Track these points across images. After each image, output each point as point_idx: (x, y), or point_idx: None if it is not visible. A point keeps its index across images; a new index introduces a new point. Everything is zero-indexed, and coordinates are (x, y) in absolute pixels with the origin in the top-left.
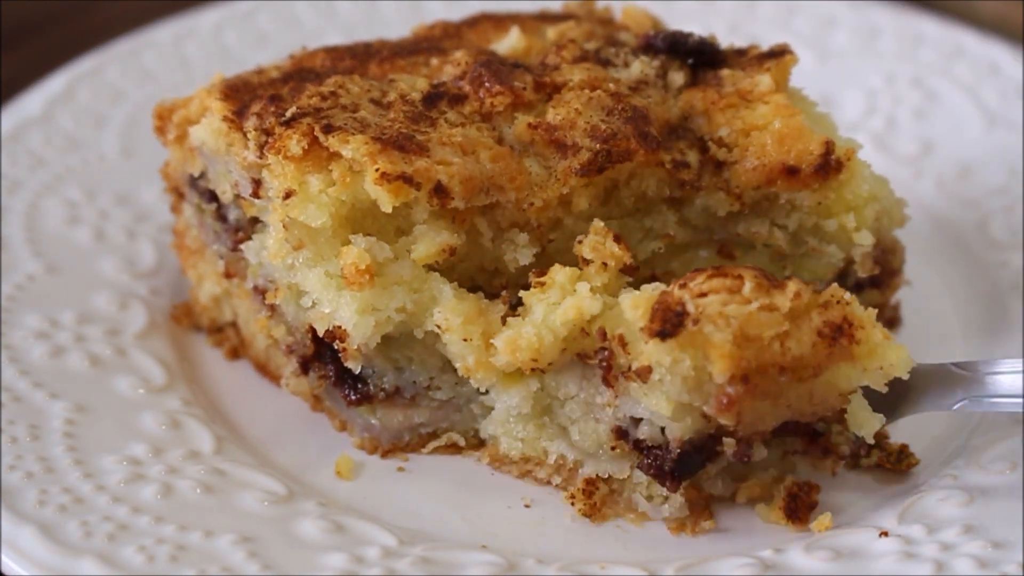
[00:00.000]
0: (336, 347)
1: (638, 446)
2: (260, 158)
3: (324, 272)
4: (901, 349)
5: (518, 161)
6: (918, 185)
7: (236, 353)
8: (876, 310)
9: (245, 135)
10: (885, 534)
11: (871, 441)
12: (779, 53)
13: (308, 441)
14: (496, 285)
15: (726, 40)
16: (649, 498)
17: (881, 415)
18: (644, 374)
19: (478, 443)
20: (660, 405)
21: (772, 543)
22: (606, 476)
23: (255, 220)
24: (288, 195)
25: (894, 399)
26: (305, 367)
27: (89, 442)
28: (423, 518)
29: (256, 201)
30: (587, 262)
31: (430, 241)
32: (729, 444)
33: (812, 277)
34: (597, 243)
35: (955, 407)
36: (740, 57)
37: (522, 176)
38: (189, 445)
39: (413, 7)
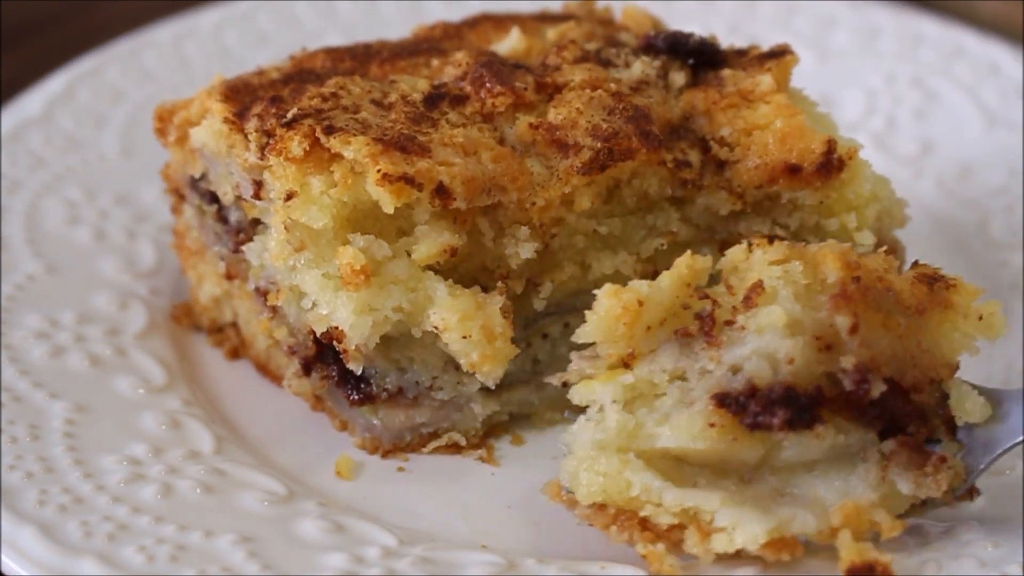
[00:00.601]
0: (336, 348)
1: (739, 404)
2: (261, 159)
3: (322, 273)
4: (996, 304)
5: (520, 161)
6: (918, 185)
7: (236, 353)
8: None
9: (246, 137)
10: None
11: (976, 419)
12: (780, 53)
13: (308, 441)
14: (497, 283)
15: (726, 40)
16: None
17: (985, 401)
18: (756, 290)
19: (478, 443)
20: (774, 317)
21: None
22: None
23: (256, 221)
24: (289, 196)
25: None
26: (307, 368)
27: (89, 442)
28: (423, 518)
29: (257, 203)
30: None
31: (431, 242)
32: (848, 360)
33: None
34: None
35: None
36: (740, 57)
37: (524, 176)
38: (189, 445)
39: (413, 7)
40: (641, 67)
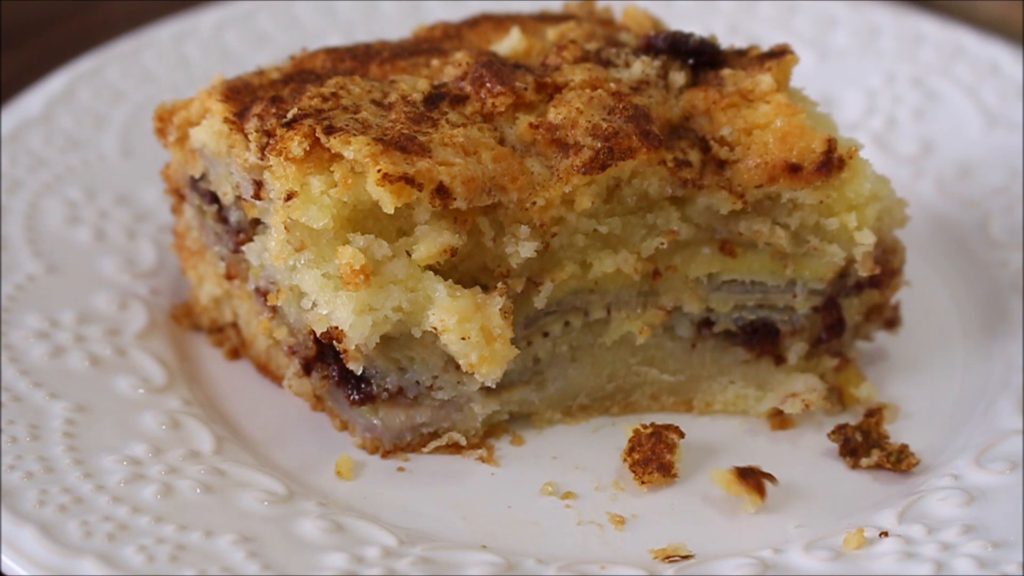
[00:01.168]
0: (336, 348)
1: None
2: (261, 160)
3: (322, 273)
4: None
5: (520, 161)
6: (918, 185)
7: (236, 353)
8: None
9: (246, 137)
10: (885, 534)
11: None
12: (779, 53)
13: (308, 441)
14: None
15: (726, 40)
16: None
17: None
18: None
19: (478, 443)
20: None
21: (772, 543)
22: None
23: (256, 222)
24: (290, 196)
25: None
26: (308, 368)
27: (89, 442)
28: (423, 518)
29: (257, 203)
30: None
31: (431, 242)
32: None
33: (813, 276)
34: None
35: None
36: (740, 57)
37: (524, 176)
38: (189, 445)
39: (413, 7)
40: (641, 67)
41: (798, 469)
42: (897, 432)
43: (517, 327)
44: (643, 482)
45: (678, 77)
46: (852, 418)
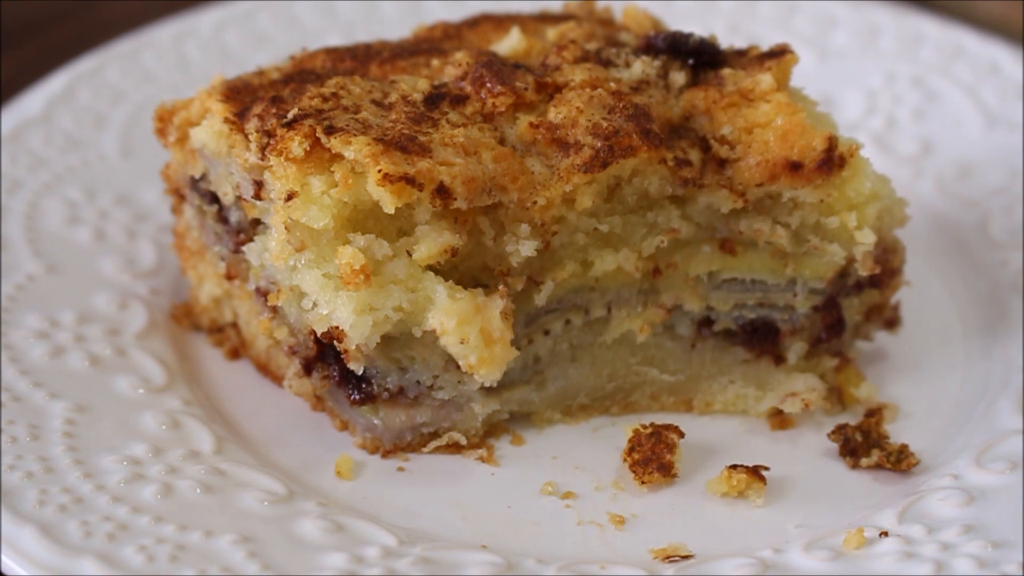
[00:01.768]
0: (337, 348)
1: None
2: (262, 160)
3: (322, 273)
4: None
5: (520, 161)
6: (918, 185)
7: (236, 353)
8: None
9: (246, 137)
10: (885, 534)
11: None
12: (779, 53)
13: (308, 441)
14: (499, 282)
15: (726, 40)
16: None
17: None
18: None
19: (479, 443)
20: None
21: (772, 543)
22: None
23: (257, 222)
24: (290, 197)
25: None
26: (308, 368)
27: (89, 442)
28: (423, 518)
29: (258, 203)
30: None
31: (432, 242)
32: None
33: (813, 276)
34: None
35: None
36: (740, 57)
37: (524, 176)
38: (189, 445)
39: (413, 7)
40: (641, 67)
41: (798, 469)
42: (897, 432)
43: (518, 325)
44: (643, 482)
45: (678, 77)
46: (852, 418)
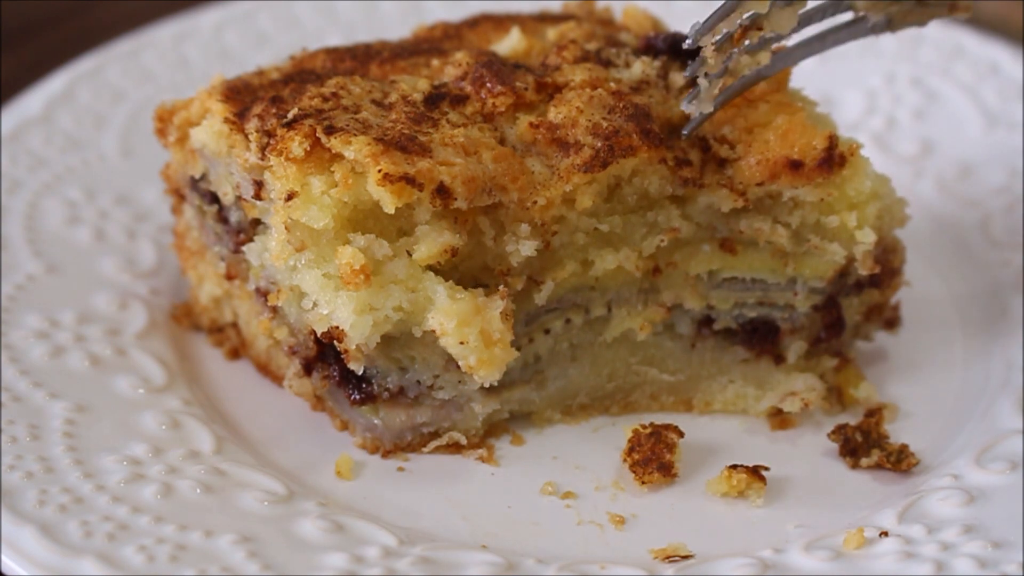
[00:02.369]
0: (337, 348)
1: None
2: (262, 160)
3: (322, 273)
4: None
5: (520, 161)
6: (918, 185)
7: (236, 353)
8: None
9: (246, 137)
10: (885, 534)
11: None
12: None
13: (308, 441)
14: (499, 282)
15: None
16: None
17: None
18: None
19: (479, 443)
20: None
21: (772, 543)
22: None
23: (257, 222)
24: (290, 197)
25: None
26: (308, 368)
27: (89, 442)
28: (423, 518)
29: (258, 203)
30: None
31: (432, 242)
32: None
33: (813, 275)
34: None
35: None
36: None
37: (524, 176)
38: (189, 445)
39: (413, 7)
40: (641, 67)
41: (798, 469)
42: (897, 432)
43: (518, 324)
44: (643, 482)
45: (678, 78)
46: (852, 418)
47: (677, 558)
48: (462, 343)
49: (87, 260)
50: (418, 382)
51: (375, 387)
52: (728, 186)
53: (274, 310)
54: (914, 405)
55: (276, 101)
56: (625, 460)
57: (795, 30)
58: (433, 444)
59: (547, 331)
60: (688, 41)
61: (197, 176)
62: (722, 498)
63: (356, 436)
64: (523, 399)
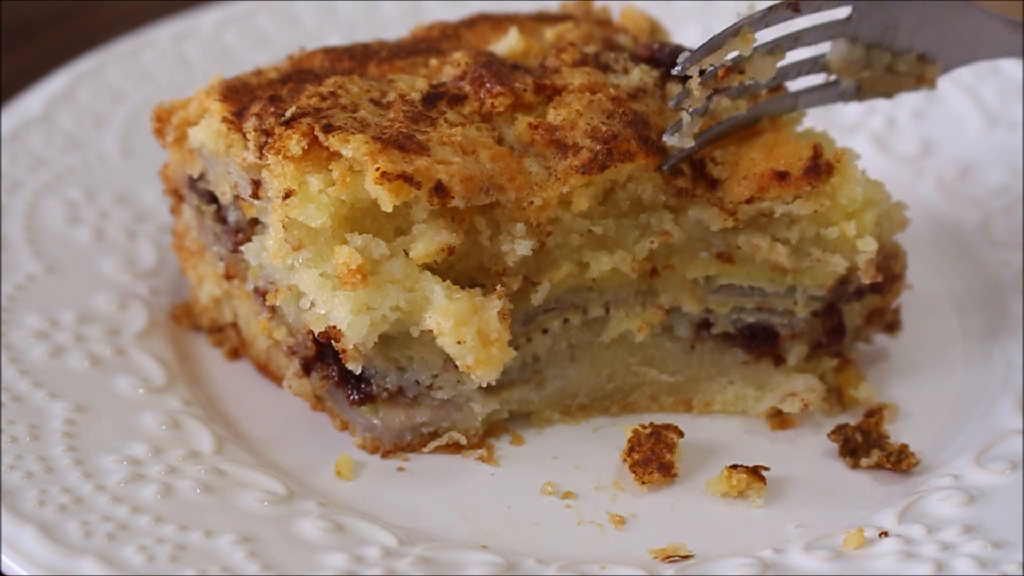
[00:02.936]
0: (336, 348)
1: None
2: (260, 159)
3: (319, 272)
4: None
5: (518, 161)
6: (918, 185)
7: (236, 353)
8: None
9: (244, 136)
10: (885, 534)
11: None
12: None
13: (308, 441)
14: (496, 282)
15: None
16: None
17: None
18: None
19: (478, 443)
20: None
21: (772, 543)
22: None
23: (255, 221)
24: (288, 195)
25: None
26: (307, 368)
27: (89, 442)
28: (423, 518)
29: (256, 202)
30: None
31: (429, 240)
32: None
33: (813, 284)
34: None
35: None
36: None
37: (522, 176)
38: (189, 445)
39: (413, 7)
40: (640, 75)
41: (798, 469)
42: (897, 432)
43: (516, 324)
44: (643, 482)
45: (675, 89)
46: (852, 418)
47: (677, 558)
48: (459, 343)
49: (87, 260)
50: (417, 382)
51: (374, 387)
52: (718, 205)
53: (272, 310)
54: (914, 405)
55: (274, 100)
56: (625, 460)
57: (773, 80)
58: (433, 444)
59: (545, 331)
60: (677, 68)
61: (195, 176)
62: (722, 498)
63: (356, 436)
64: (522, 399)
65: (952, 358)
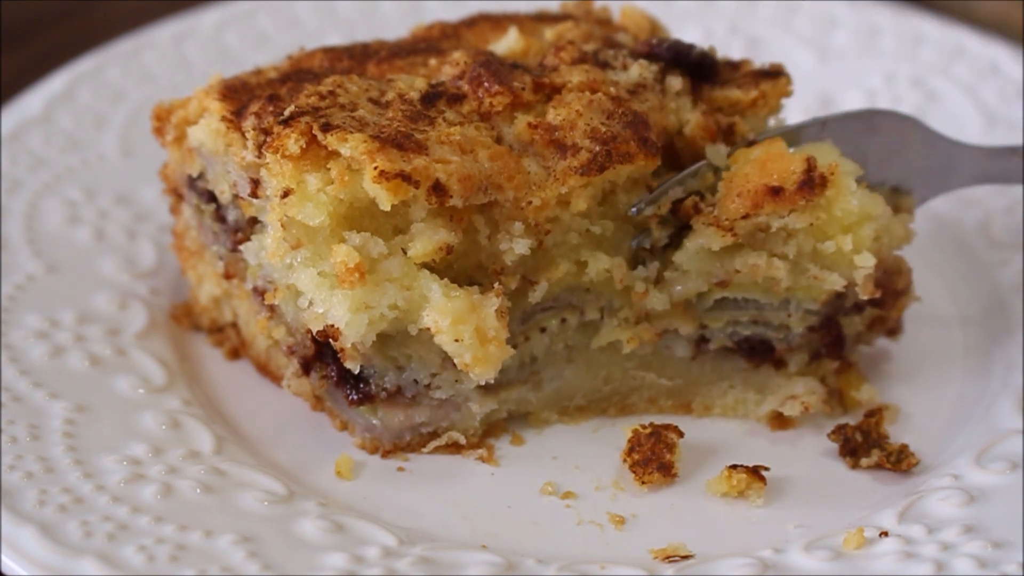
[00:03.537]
0: (334, 347)
1: None
2: (258, 157)
3: (318, 271)
4: None
5: (517, 160)
6: None
7: (236, 353)
8: None
9: (243, 135)
10: (885, 534)
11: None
12: (774, 74)
13: (308, 441)
14: (494, 281)
15: (726, 40)
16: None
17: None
18: None
19: (478, 443)
20: None
21: (772, 543)
22: None
23: (254, 220)
24: (286, 194)
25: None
26: (306, 368)
27: (89, 442)
28: (423, 518)
29: (255, 201)
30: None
31: (427, 239)
32: None
33: (807, 297)
34: None
35: None
36: (734, 71)
37: (521, 175)
38: (189, 445)
39: (413, 7)
40: (639, 70)
41: (798, 469)
42: (897, 432)
43: (513, 322)
44: (643, 482)
45: (675, 82)
46: (852, 418)
47: (677, 558)
48: (457, 341)
49: (87, 260)
50: (415, 381)
51: (373, 387)
52: (715, 224)
53: (271, 309)
54: (914, 405)
55: (273, 99)
56: (625, 460)
57: None
58: (432, 444)
59: (543, 330)
60: (633, 210)
61: (195, 175)
62: (722, 498)
63: (355, 436)
64: (520, 399)
65: (952, 358)
